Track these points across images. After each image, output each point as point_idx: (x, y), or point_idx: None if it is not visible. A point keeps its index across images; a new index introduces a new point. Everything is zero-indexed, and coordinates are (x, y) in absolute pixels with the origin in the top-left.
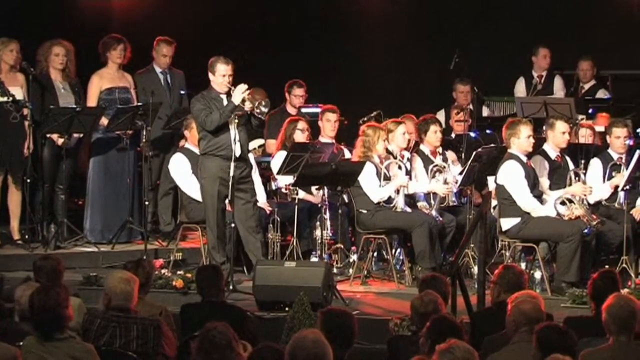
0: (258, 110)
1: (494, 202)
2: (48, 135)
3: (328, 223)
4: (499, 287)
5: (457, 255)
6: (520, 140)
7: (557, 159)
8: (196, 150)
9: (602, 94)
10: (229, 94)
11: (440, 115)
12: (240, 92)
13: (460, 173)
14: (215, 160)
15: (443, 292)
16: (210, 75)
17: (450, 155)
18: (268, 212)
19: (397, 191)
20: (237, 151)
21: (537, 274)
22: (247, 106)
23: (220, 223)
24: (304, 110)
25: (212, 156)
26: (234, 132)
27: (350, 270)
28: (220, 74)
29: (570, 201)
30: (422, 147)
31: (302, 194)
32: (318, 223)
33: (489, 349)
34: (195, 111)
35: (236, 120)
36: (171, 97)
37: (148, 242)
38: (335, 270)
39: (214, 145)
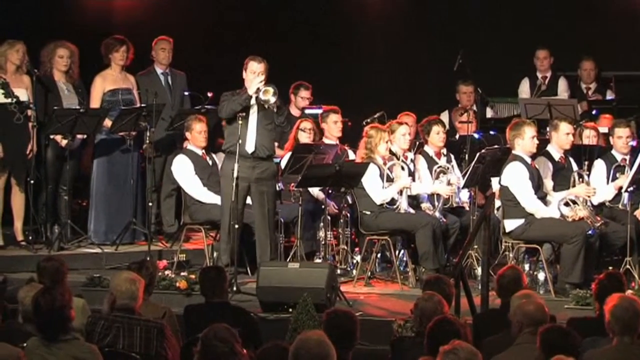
0: (263, 98)
1: (497, 203)
2: (51, 137)
3: None
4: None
5: (460, 257)
6: (525, 141)
7: (560, 160)
8: (198, 152)
9: (610, 94)
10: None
11: (444, 117)
12: (256, 83)
13: (464, 174)
14: (232, 159)
15: (447, 293)
16: (244, 74)
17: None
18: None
19: (401, 192)
20: (250, 148)
21: (541, 275)
22: (264, 99)
23: (236, 224)
24: (307, 111)
25: (229, 154)
26: (250, 128)
27: (354, 272)
28: (251, 71)
29: (574, 202)
30: (426, 148)
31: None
32: (322, 224)
33: (488, 351)
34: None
35: (254, 117)
36: (172, 98)
37: (152, 243)
38: (338, 272)
39: (229, 142)
